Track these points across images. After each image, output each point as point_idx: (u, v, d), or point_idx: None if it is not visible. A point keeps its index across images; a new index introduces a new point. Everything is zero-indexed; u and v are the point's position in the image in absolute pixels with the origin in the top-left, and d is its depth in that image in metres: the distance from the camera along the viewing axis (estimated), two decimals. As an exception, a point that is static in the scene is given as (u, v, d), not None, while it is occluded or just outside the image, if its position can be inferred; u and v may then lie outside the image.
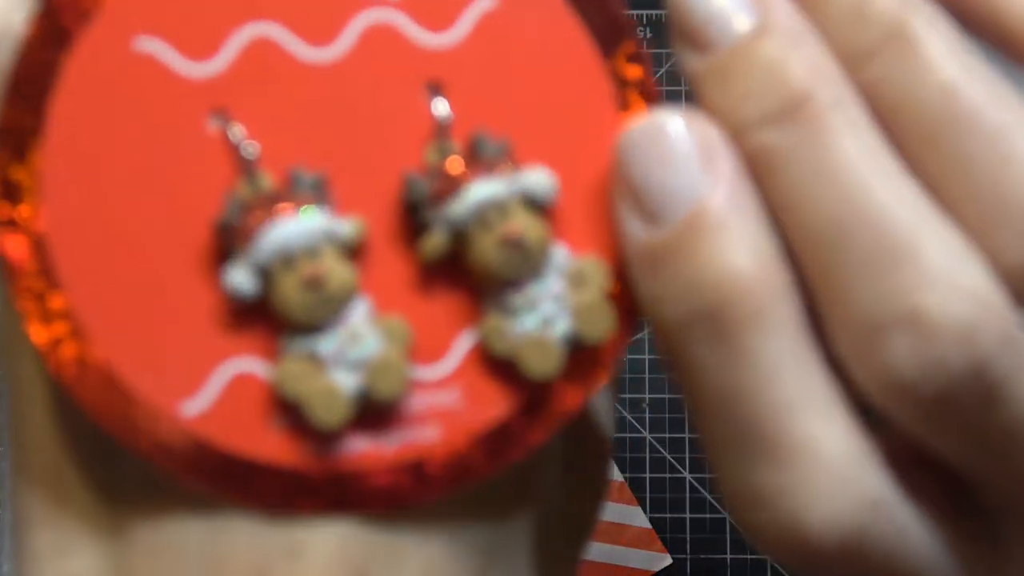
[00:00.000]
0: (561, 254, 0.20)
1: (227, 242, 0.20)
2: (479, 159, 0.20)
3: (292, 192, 0.20)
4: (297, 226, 0.19)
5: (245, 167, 0.20)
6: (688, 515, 0.67)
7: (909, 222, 0.18)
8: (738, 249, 0.18)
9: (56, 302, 0.20)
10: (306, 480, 0.20)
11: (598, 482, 0.25)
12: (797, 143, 0.18)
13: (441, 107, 0.20)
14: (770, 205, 0.19)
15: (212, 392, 0.20)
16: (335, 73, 0.20)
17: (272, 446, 0.20)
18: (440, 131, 0.20)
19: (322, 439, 0.20)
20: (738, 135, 0.19)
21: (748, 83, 0.19)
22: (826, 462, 0.18)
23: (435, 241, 0.20)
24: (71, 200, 0.20)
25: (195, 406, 0.20)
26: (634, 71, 0.21)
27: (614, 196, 0.20)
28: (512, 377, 0.20)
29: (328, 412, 0.19)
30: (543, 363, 0.20)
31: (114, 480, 0.21)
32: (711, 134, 0.19)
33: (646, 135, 0.19)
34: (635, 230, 0.19)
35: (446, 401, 0.20)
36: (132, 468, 0.21)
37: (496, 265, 0.20)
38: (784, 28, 0.19)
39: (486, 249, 0.20)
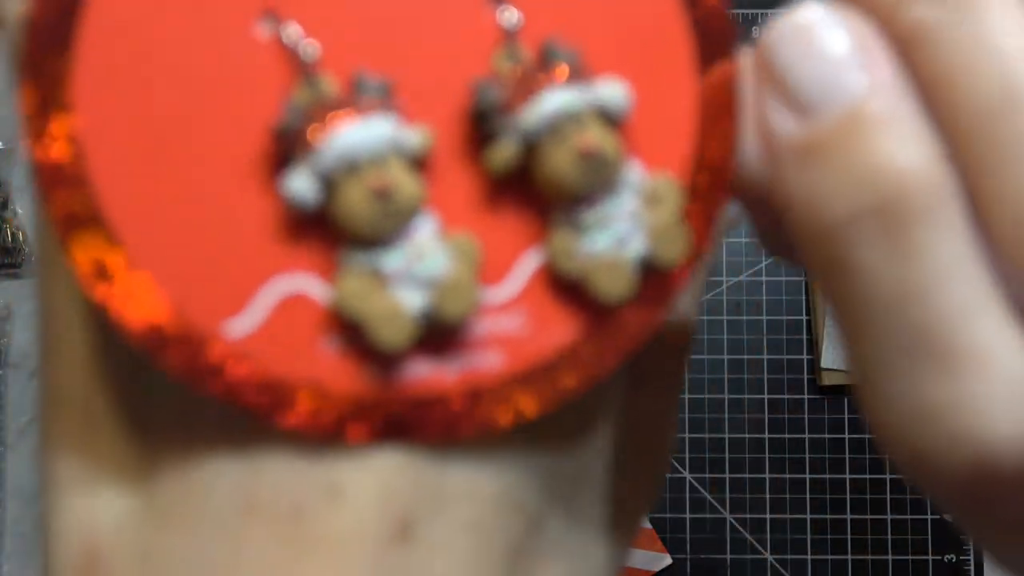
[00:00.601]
0: (635, 171, 0.19)
1: (286, 149, 0.18)
2: (550, 68, 0.19)
3: (356, 97, 0.18)
4: (364, 133, 0.18)
5: (304, 69, 0.19)
6: (688, 515, 0.66)
7: None
8: (906, 143, 0.17)
9: (92, 214, 0.18)
10: (359, 405, 0.19)
11: (673, 387, 0.24)
12: (954, 16, 0.17)
13: (510, 12, 0.19)
14: (924, 84, 0.18)
15: (260, 311, 0.19)
16: None
17: (324, 367, 0.19)
18: (509, 37, 0.19)
19: (379, 362, 0.19)
20: (892, 12, 0.18)
21: None
22: (1007, 370, 0.17)
23: (505, 152, 0.19)
24: (108, 106, 0.18)
25: (241, 325, 0.18)
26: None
27: (755, 91, 0.19)
28: (580, 300, 0.19)
29: (392, 332, 0.18)
30: (615, 284, 0.19)
31: (147, 412, 0.20)
32: (865, 30, 0.18)
33: (799, 30, 0.18)
34: (785, 123, 0.18)
35: (510, 325, 0.19)
36: (166, 400, 0.19)
37: (570, 178, 0.19)
38: None
39: (560, 161, 0.19)
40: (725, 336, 0.73)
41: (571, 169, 0.18)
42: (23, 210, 0.67)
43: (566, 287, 0.19)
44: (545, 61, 0.19)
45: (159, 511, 0.19)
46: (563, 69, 0.19)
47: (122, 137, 0.18)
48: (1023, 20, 0.18)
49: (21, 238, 0.65)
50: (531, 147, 0.19)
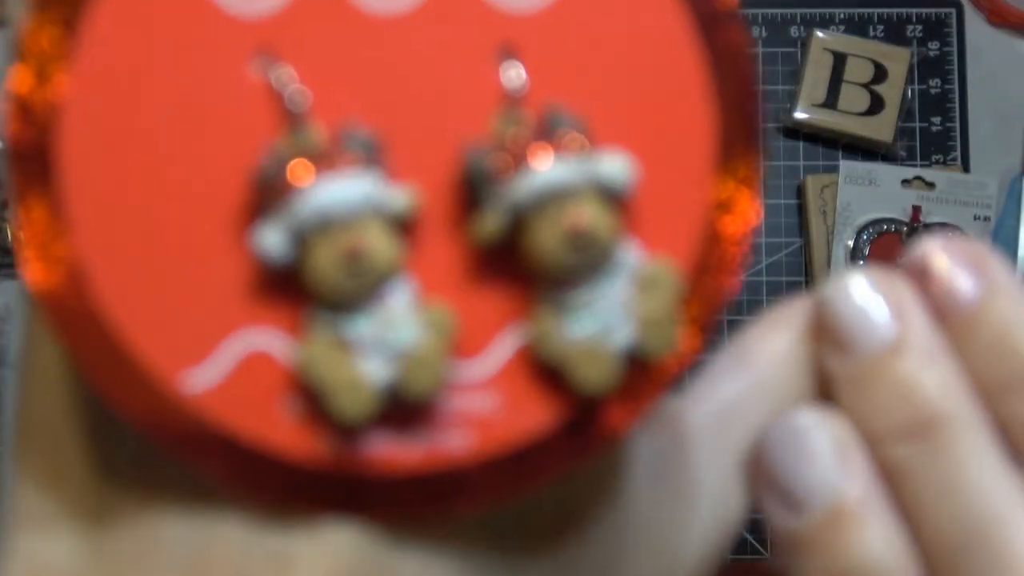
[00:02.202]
0: (631, 253, 0.18)
1: (262, 199, 0.18)
2: (551, 136, 0.18)
3: (341, 151, 0.17)
4: (342, 190, 0.17)
5: (291, 117, 0.18)
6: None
7: None
8: (873, 540, 0.20)
9: (60, 246, 0.18)
10: (315, 475, 0.18)
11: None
12: (926, 460, 0.20)
13: (515, 71, 0.18)
14: (905, 510, 0.20)
15: (222, 365, 0.18)
16: (401, 26, 0.18)
17: (282, 433, 0.18)
18: (510, 100, 0.18)
19: (340, 432, 0.18)
20: (873, 443, 0.21)
21: (883, 397, 0.21)
22: None
23: (491, 223, 0.18)
24: (88, 136, 0.18)
25: (201, 378, 0.18)
26: (735, 55, 0.18)
27: (757, 486, 0.22)
28: (559, 387, 0.18)
29: (352, 403, 0.17)
30: (596, 375, 0.17)
31: (110, 459, 0.19)
32: (844, 432, 0.21)
33: (787, 433, 0.21)
34: (780, 518, 0.21)
35: (482, 405, 0.18)
36: (130, 449, 0.19)
37: (556, 258, 0.17)
38: (920, 347, 0.21)
39: (547, 239, 0.17)
40: (725, 336, 0.70)
41: (558, 247, 0.17)
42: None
43: (547, 372, 0.18)
44: (547, 127, 0.18)
45: (110, 561, 0.19)
46: (563, 138, 0.18)
47: (98, 169, 0.18)
48: (998, 464, 0.20)
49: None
50: (520, 220, 0.17)
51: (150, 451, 0.18)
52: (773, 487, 0.21)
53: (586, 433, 0.18)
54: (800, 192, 0.72)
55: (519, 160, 0.17)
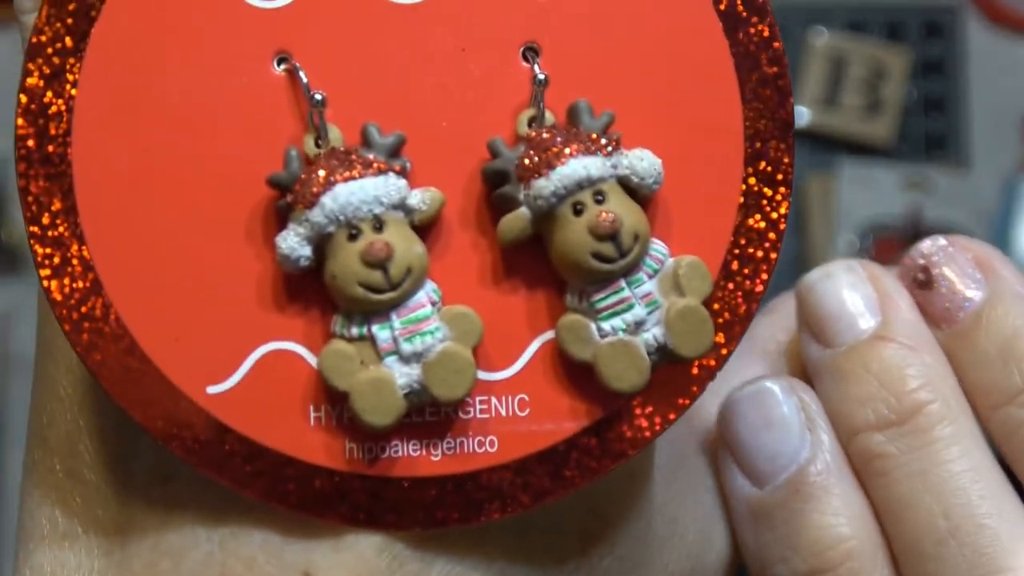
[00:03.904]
0: (659, 250, 0.18)
1: (283, 202, 0.17)
2: (577, 132, 0.17)
3: (363, 151, 0.17)
4: (365, 190, 0.17)
5: (311, 117, 0.17)
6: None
7: (1007, 542, 0.19)
8: (838, 514, 0.19)
9: (75, 254, 0.17)
10: (338, 483, 0.17)
11: None
12: (905, 452, 0.19)
13: (539, 68, 0.18)
14: (874, 505, 0.20)
15: (245, 375, 0.17)
16: (423, 13, 0.17)
17: (306, 441, 0.17)
18: (536, 95, 0.18)
19: (363, 437, 0.17)
20: (849, 434, 0.20)
21: (863, 387, 0.20)
22: None
23: (516, 221, 0.17)
24: (101, 137, 0.17)
25: (224, 389, 0.17)
26: (765, 49, 0.18)
27: (720, 454, 0.21)
28: (586, 388, 0.18)
29: (378, 409, 0.17)
30: (625, 373, 0.17)
31: (129, 468, 0.19)
32: (812, 404, 0.20)
33: (753, 400, 0.20)
34: (740, 487, 0.21)
35: (508, 409, 0.18)
36: (149, 460, 0.18)
37: (583, 255, 0.17)
38: (902, 337, 0.20)
39: (573, 236, 0.17)
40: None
41: (584, 245, 0.17)
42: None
43: (573, 372, 0.18)
44: (573, 122, 0.17)
45: (129, 574, 0.18)
46: (590, 134, 0.17)
47: (112, 173, 0.17)
48: (981, 458, 0.19)
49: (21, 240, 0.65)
50: (546, 218, 0.17)
51: (171, 463, 0.18)
52: (736, 454, 0.21)
53: (616, 435, 0.18)
54: (800, 192, 0.72)
55: (544, 156, 0.17)
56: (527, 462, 0.18)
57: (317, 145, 0.17)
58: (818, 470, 0.20)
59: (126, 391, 0.17)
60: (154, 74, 0.17)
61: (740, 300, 0.18)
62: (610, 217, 0.17)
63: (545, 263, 0.18)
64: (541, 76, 0.17)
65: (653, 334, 0.17)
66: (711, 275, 0.18)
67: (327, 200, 0.17)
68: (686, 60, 0.18)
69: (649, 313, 0.17)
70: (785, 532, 0.20)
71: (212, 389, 0.17)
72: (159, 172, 0.17)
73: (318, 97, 0.17)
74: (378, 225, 0.17)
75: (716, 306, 0.18)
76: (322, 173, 0.17)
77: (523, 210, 0.17)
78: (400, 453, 0.17)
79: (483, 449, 0.18)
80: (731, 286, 0.18)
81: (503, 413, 0.18)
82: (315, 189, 0.17)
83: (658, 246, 0.18)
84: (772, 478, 0.20)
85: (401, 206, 0.17)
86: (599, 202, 0.17)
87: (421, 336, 0.17)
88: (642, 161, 0.17)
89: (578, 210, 0.17)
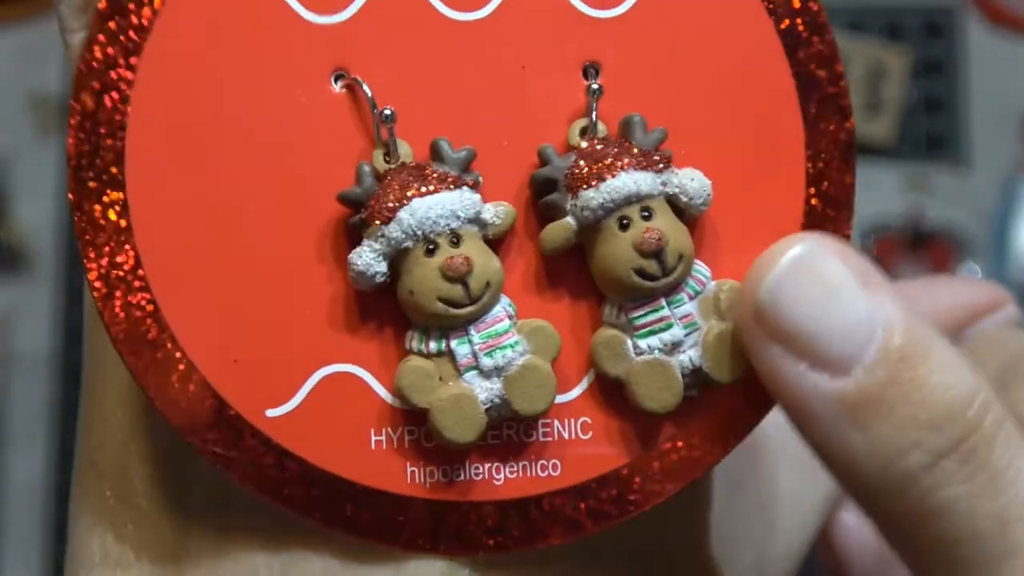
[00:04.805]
0: (702, 272, 0.17)
1: (355, 219, 0.17)
2: (630, 146, 0.17)
3: (436, 165, 0.17)
4: (443, 205, 0.16)
5: (379, 132, 0.17)
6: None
7: None
8: (954, 365, 0.16)
9: (131, 276, 0.17)
10: (398, 508, 0.17)
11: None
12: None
13: (592, 81, 0.17)
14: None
15: (308, 399, 0.17)
16: (481, 29, 0.17)
17: (365, 464, 0.17)
18: (590, 105, 0.17)
19: (425, 462, 0.17)
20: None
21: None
22: None
23: (560, 230, 0.17)
24: (157, 156, 0.17)
25: (286, 414, 0.17)
26: (822, 73, 0.18)
27: (763, 351, 0.16)
28: (637, 410, 0.17)
29: (460, 425, 0.16)
30: (659, 394, 0.17)
31: (183, 494, 0.18)
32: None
33: (795, 272, 0.16)
34: (818, 385, 0.16)
35: (571, 432, 0.17)
36: (203, 486, 0.18)
37: (626, 271, 0.17)
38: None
39: (617, 250, 0.17)
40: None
41: (626, 261, 0.17)
42: (25, 213, 0.66)
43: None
44: (625, 137, 0.17)
45: None
46: (640, 149, 0.17)
47: (168, 196, 0.17)
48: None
49: (24, 240, 0.64)
50: (589, 229, 0.17)
51: (228, 489, 0.17)
52: (799, 347, 0.16)
53: (679, 458, 0.17)
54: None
55: (593, 169, 0.17)
56: (590, 485, 0.17)
57: (386, 160, 0.17)
58: (905, 325, 0.16)
59: (182, 415, 0.17)
60: (209, 92, 0.17)
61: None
62: (656, 234, 0.16)
63: (584, 275, 0.17)
64: (595, 86, 0.17)
65: (689, 356, 0.17)
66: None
67: (404, 215, 0.16)
68: (747, 80, 0.17)
69: (687, 335, 0.17)
70: (908, 411, 0.16)
71: (271, 412, 0.17)
72: (215, 191, 0.17)
73: (387, 112, 0.17)
74: (455, 240, 0.16)
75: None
76: (398, 188, 0.16)
77: (568, 219, 0.17)
78: (463, 477, 0.17)
79: (546, 473, 0.17)
80: None
81: (566, 436, 0.17)
82: (392, 204, 0.16)
83: (701, 268, 0.17)
84: (858, 358, 0.16)
85: (476, 220, 0.17)
86: (646, 218, 0.17)
87: (501, 350, 0.17)
88: (692, 181, 0.17)
89: (624, 224, 0.17)
